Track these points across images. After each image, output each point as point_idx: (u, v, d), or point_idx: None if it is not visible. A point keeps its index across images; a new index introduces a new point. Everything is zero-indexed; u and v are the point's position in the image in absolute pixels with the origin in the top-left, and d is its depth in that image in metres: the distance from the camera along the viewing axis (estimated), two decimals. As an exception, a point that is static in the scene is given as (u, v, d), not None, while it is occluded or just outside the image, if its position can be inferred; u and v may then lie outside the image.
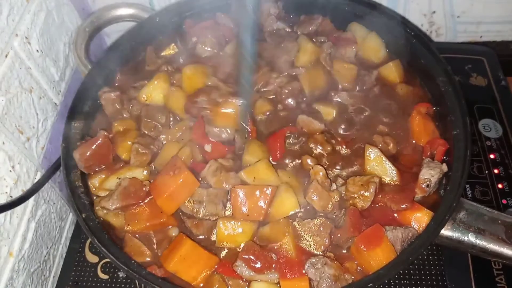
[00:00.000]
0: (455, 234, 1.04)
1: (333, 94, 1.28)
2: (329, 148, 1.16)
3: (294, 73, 1.30)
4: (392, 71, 1.31)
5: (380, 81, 1.31)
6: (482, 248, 1.02)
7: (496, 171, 1.36)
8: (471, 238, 1.03)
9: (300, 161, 1.15)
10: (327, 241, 1.04)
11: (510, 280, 1.19)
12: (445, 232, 1.03)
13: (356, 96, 1.28)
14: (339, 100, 1.27)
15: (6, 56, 1.15)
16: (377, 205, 1.09)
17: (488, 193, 1.32)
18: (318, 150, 1.17)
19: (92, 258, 1.30)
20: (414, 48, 1.30)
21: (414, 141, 1.20)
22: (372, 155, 1.12)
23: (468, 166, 1.06)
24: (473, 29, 1.73)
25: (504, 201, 1.30)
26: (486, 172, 1.36)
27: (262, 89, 1.27)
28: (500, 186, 1.33)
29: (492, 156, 1.39)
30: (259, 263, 1.02)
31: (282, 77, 1.27)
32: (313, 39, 1.34)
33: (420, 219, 1.06)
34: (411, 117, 1.22)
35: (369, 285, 0.95)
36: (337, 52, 1.34)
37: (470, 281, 1.19)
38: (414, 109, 1.23)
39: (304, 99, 1.26)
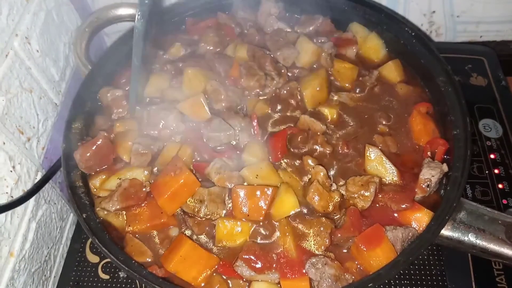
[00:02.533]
0: (455, 234, 1.04)
1: (333, 94, 1.28)
2: (329, 149, 1.16)
3: (295, 74, 1.30)
4: (392, 70, 1.31)
5: (380, 80, 1.31)
6: (482, 248, 1.03)
7: (496, 171, 1.36)
8: (471, 238, 1.03)
9: (301, 161, 1.15)
10: (327, 241, 1.04)
11: (510, 280, 1.19)
12: (445, 232, 1.03)
13: (357, 96, 1.28)
14: (340, 100, 1.27)
15: (6, 56, 1.14)
16: (377, 205, 1.09)
17: (488, 193, 1.33)
18: (319, 150, 1.17)
19: (93, 258, 1.30)
20: (414, 48, 1.30)
21: (414, 141, 1.20)
22: (373, 155, 1.13)
23: (468, 166, 1.06)
24: (472, 29, 1.73)
25: (504, 201, 1.31)
26: (486, 172, 1.36)
27: (260, 92, 1.27)
28: (500, 186, 1.34)
29: (492, 156, 1.40)
30: (259, 263, 1.02)
31: (279, 79, 1.26)
32: (314, 39, 1.34)
33: (420, 219, 1.06)
34: (411, 117, 1.22)
35: (369, 285, 0.96)
36: (338, 52, 1.34)
37: (470, 281, 1.19)
38: (414, 108, 1.23)
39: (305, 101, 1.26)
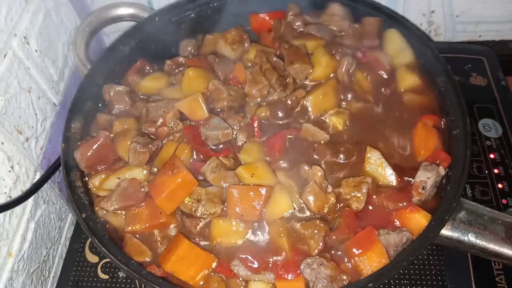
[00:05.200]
0: (455, 234, 1.03)
1: (344, 104, 1.23)
2: (330, 159, 1.15)
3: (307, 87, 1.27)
4: (409, 75, 1.25)
5: (395, 89, 1.26)
6: (482, 248, 1.02)
7: (496, 171, 1.36)
8: (471, 238, 1.03)
9: (298, 166, 1.13)
10: (321, 244, 1.02)
11: (510, 280, 1.19)
12: (445, 232, 1.03)
13: (368, 107, 1.24)
14: (349, 109, 1.23)
15: (4, 56, 1.14)
16: (371, 207, 1.07)
17: (488, 193, 1.32)
18: (320, 158, 1.15)
19: (92, 258, 1.30)
20: (414, 48, 1.29)
21: (414, 155, 1.15)
22: (373, 157, 1.11)
23: (468, 166, 1.06)
24: (472, 29, 1.73)
25: (504, 201, 1.30)
26: (486, 172, 1.36)
27: (260, 100, 1.24)
28: (500, 186, 1.33)
29: (492, 156, 1.39)
30: (255, 263, 1.01)
31: (282, 91, 1.23)
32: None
33: (417, 221, 1.04)
34: (415, 129, 1.17)
35: (369, 285, 0.95)
36: (362, 66, 1.28)
37: (470, 281, 1.19)
38: (420, 120, 1.18)
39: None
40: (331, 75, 1.26)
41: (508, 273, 1.20)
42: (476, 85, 1.56)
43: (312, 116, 1.21)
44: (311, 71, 1.26)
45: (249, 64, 1.31)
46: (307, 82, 1.27)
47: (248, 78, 1.24)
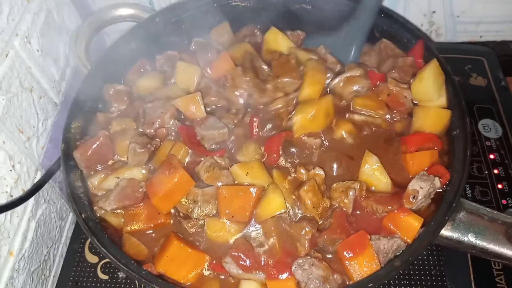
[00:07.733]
0: (455, 235, 1.03)
1: (347, 115, 1.21)
2: (326, 164, 1.14)
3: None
4: (432, 119, 1.17)
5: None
6: (482, 249, 1.02)
7: (496, 171, 1.36)
8: (471, 238, 1.03)
9: (294, 169, 1.13)
10: (307, 246, 1.02)
11: (510, 281, 1.19)
12: (445, 232, 1.03)
13: (372, 123, 1.21)
14: (353, 121, 1.21)
15: (6, 56, 1.15)
16: (359, 212, 1.07)
17: (488, 193, 1.32)
18: (316, 162, 1.15)
19: (92, 258, 1.30)
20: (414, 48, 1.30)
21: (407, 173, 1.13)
22: (371, 162, 1.09)
23: (468, 167, 1.06)
24: (472, 29, 1.73)
25: (504, 202, 1.30)
26: (486, 172, 1.36)
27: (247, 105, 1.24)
28: (500, 186, 1.33)
29: (492, 156, 1.39)
30: (247, 261, 1.01)
31: (260, 98, 1.22)
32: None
33: (410, 224, 1.02)
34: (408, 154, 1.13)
35: (369, 285, 0.95)
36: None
37: (470, 281, 1.19)
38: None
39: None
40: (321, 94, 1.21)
41: (508, 273, 1.20)
42: (476, 85, 1.56)
43: (295, 136, 1.17)
44: (299, 85, 1.21)
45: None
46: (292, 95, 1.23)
47: (229, 82, 1.24)
